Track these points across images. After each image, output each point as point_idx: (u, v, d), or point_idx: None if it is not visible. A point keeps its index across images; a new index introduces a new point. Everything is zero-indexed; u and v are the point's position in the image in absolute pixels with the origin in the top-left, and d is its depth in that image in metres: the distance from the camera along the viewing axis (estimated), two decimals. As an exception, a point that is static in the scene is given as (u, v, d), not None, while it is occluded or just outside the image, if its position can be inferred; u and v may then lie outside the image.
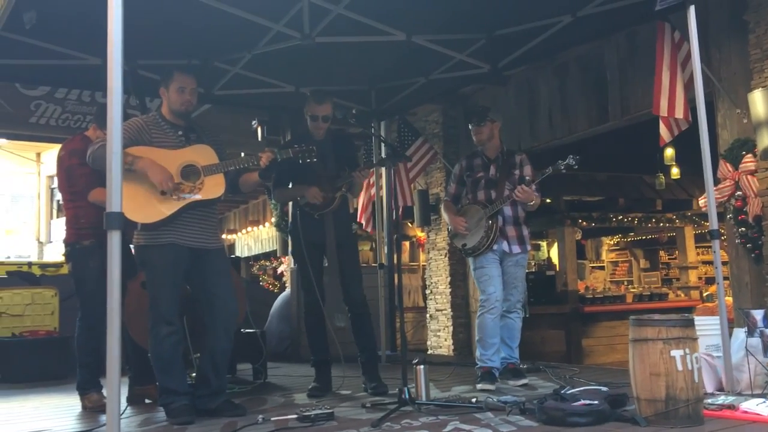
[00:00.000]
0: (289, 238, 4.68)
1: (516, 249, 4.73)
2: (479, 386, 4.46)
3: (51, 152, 19.02)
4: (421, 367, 3.89)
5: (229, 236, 16.83)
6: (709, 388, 3.83)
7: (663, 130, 4.94)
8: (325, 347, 4.58)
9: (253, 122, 7.75)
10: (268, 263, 14.97)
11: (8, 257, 14.81)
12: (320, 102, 4.46)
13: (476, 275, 4.73)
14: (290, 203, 4.91)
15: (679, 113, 4.81)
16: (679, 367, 3.01)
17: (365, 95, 6.38)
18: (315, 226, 4.45)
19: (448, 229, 4.96)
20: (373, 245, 14.11)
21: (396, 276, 4.22)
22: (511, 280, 4.75)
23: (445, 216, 4.97)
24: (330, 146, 4.53)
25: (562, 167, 4.48)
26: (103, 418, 3.88)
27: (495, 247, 4.66)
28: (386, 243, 7.17)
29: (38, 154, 20.52)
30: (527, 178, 4.73)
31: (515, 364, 4.73)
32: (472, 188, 4.83)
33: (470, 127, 4.86)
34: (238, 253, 16.36)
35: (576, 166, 4.48)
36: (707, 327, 3.99)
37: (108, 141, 2.52)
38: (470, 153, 5.01)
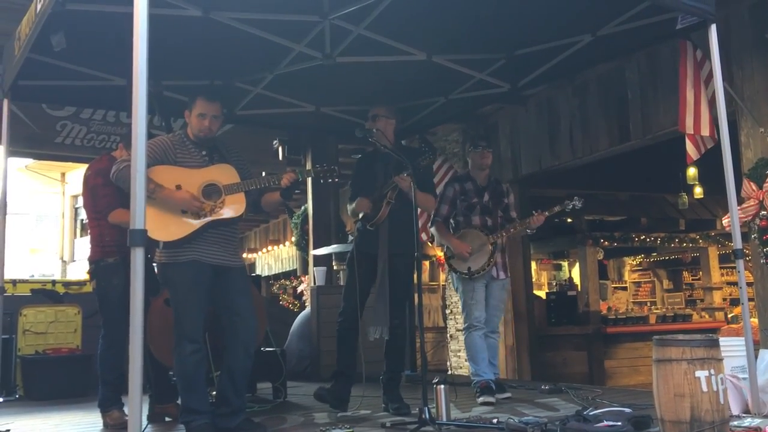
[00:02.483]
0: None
1: (502, 275, 5.13)
2: (481, 399, 4.78)
3: (75, 172, 19.31)
4: (442, 387, 3.86)
5: (250, 255, 16.91)
6: (735, 410, 3.76)
7: (690, 147, 4.91)
8: (351, 361, 4.49)
9: (274, 142, 7.82)
10: (288, 282, 15.00)
11: (32, 275, 14.97)
12: (378, 105, 4.71)
13: (465, 297, 5.06)
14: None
15: (705, 131, 4.78)
16: (704, 388, 2.96)
17: (385, 115, 6.40)
18: (369, 237, 4.50)
19: (444, 248, 5.18)
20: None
21: (416, 295, 4.21)
22: (497, 302, 5.14)
23: (439, 237, 5.18)
24: (393, 160, 4.52)
25: (569, 209, 4.87)
26: (124, 435, 3.91)
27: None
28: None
29: (63, 174, 20.83)
30: (512, 212, 5.20)
31: (498, 379, 5.14)
32: (465, 212, 5.10)
33: (475, 150, 5.13)
34: (258, 272, 16.43)
35: (579, 208, 4.90)
36: (732, 348, 3.93)
37: (132, 159, 2.55)
38: (459, 177, 5.31)
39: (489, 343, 5.10)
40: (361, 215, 4.54)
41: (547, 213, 4.94)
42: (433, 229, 5.20)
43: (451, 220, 5.18)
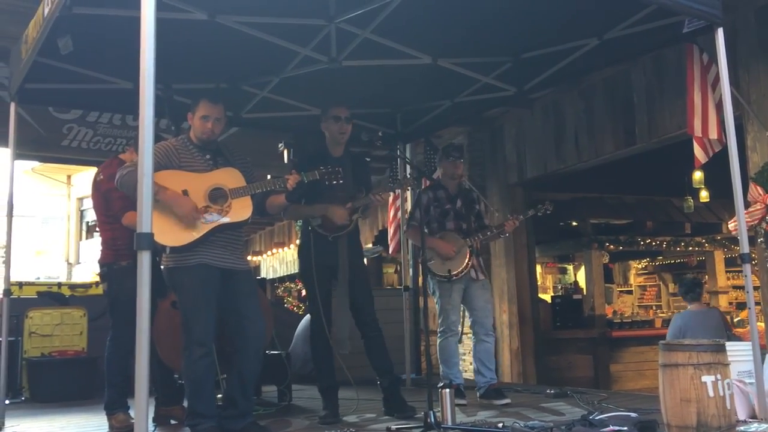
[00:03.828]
0: (299, 259, 4.63)
1: (480, 276, 5.20)
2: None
3: (81, 175, 19.42)
4: (447, 390, 3.85)
5: (255, 258, 16.92)
6: (742, 415, 3.74)
7: (698, 150, 4.89)
8: (332, 372, 4.49)
9: (280, 145, 7.82)
10: (293, 285, 15.01)
11: (38, 278, 15.03)
12: (340, 104, 4.60)
13: (442, 301, 5.09)
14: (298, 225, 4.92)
15: (713, 134, 4.76)
16: (711, 393, 2.95)
17: (391, 118, 6.41)
18: (328, 248, 4.40)
19: (420, 252, 4.91)
20: (398, 268, 14.06)
21: (421, 299, 4.21)
22: (482, 303, 5.17)
23: (417, 241, 5.10)
24: (349, 165, 4.48)
25: (540, 213, 5.21)
26: (130, 438, 3.91)
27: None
28: (411, 265, 7.15)
29: (69, 177, 20.91)
30: (485, 219, 5.41)
31: (496, 385, 5.06)
32: (439, 219, 5.21)
33: (448, 160, 5.25)
34: (263, 274, 16.43)
35: (549, 212, 5.22)
36: (739, 353, 3.91)
37: (139, 163, 2.56)
38: (432, 186, 5.41)
39: (484, 347, 5.09)
40: (317, 223, 4.40)
41: (521, 217, 5.23)
42: (409, 234, 5.29)
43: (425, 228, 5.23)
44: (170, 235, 3.57)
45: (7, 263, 4.74)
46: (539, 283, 12.31)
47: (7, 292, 4.67)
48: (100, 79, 5.10)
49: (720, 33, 4.00)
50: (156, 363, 4.22)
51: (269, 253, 16.44)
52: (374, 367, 4.51)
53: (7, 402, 5.60)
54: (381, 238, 10.88)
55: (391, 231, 7.61)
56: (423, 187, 5.63)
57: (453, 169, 5.25)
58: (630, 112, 6.61)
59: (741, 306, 12.82)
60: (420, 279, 6.24)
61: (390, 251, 7.75)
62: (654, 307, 15.47)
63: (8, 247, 4.76)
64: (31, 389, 6.16)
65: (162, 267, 3.81)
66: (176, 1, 4.17)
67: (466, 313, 5.31)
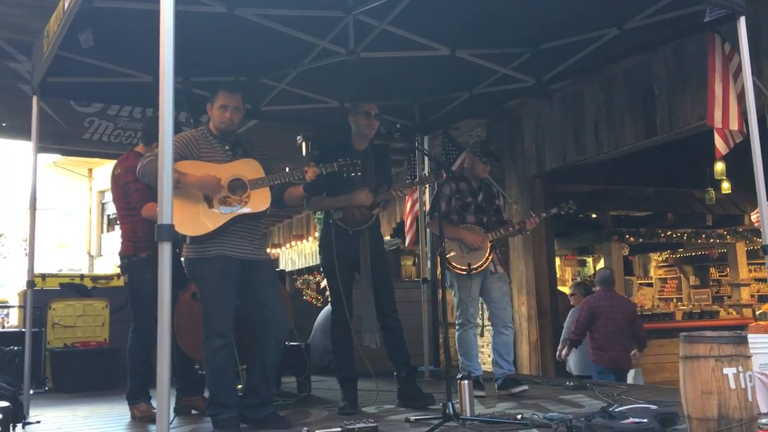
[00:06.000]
0: (320, 252, 4.67)
1: (499, 269, 5.21)
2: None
3: (102, 168, 19.58)
4: (466, 382, 3.86)
5: (274, 250, 16.99)
6: (763, 407, 3.71)
7: (719, 142, 4.83)
8: (352, 363, 4.53)
9: (298, 137, 7.85)
10: (311, 277, 15.05)
11: (60, 270, 15.19)
12: (370, 100, 4.62)
13: (461, 294, 5.08)
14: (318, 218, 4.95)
15: (734, 125, 4.70)
16: (732, 386, 2.92)
17: (409, 110, 6.40)
18: (349, 241, 4.43)
19: (441, 243, 4.59)
20: (416, 260, 14.05)
21: (440, 291, 4.21)
22: (499, 295, 5.15)
23: (441, 232, 4.61)
24: (372, 158, 4.51)
25: (563, 212, 5.24)
26: (152, 428, 3.96)
27: None
28: (429, 257, 7.15)
29: (90, 170, 21.10)
30: (503, 214, 5.46)
31: (513, 376, 5.11)
32: (460, 211, 5.18)
33: (481, 161, 5.22)
34: (282, 266, 16.51)
35: (572, 211, 5.24)
36: (761, 345, 3.88)
37: (159, 155, 2.58)
38: (454, 177, 5.35)
39: (503, 339, 5.08)
40: (339, 216, 4.43)
41: (543, 214, 5.25)
42: (432, 226, 5.25)
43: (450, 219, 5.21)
44: (189, 225, 3.60)
45: (31, 255, 4.79)
46: (558, 275, 12.24)
47: (31, 283, 4.72)
48: (121, 72, 5.14)
49: (742, 22, 3.96)
50: (177, 354, 4.26)
51: (288, 245, 16.50)
52: (392, 358, 4.54)
53: (31, 392, 5.70)
54: (399, 231, 10.88)
55: (407, 223, 7.61)
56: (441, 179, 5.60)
57: (483, 170, 5.24)
58: (650, 102, 6.55)
59: (763, 298, 12.69)
60: (438, 271, 6.22)
61: (406, 243, 7.74)
62: (674, 300, 15.34)
63: (31, 240, 4.82)
64: (55, 379, 6.26)
65: (182, 258, 3.85)
66: (195, -6, 4.19)
67: (484, 306, 5.31)
